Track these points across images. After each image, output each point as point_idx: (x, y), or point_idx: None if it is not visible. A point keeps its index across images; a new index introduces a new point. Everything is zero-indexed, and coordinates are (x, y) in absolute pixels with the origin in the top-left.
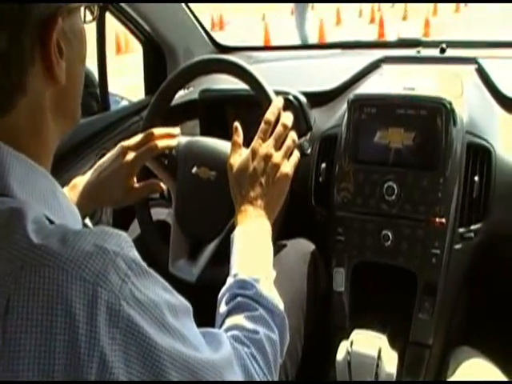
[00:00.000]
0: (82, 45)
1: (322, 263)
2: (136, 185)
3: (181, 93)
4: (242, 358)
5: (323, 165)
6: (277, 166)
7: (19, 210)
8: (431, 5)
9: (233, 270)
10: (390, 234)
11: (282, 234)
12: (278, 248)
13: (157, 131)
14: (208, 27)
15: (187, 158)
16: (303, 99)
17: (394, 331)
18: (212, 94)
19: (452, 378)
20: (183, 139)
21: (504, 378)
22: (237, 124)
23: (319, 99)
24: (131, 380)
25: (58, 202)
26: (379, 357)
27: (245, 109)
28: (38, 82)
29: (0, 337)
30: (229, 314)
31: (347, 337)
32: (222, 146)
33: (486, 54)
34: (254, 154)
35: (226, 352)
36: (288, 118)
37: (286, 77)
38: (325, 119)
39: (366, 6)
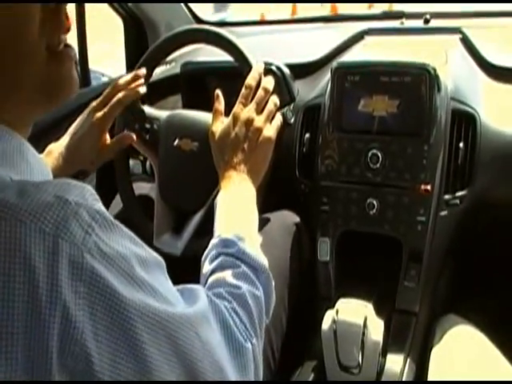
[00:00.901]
0: None
1: (307, 235)
2: (108, 142)
3: (162, 68)
4: (221, 311)
5: (307, 135)
6: (259, 131)
7: None
8: None
9: (216, 232)
10: (375, 203)
11: (265, 206)
12: (261, 221)
13: (122, 80)
14: None
15: (169, 130)
16: (286, 70)
17: (380, 299)
18: (194, 67)
19: (438, 346)
20: (164, 113)
21: (490, 345)
22: (218, 91)
23: (302, 71)
24: (97, 334)
25: (27, 162)
26: (365, 325)
27: (227, 80)
28: None
29: None
30: (212, 273)
31: (332, 306)
32: (204, 116)
33: (470, 24)
34: (235, 119)
35: (201, 306)
36: (269, 82)
37: (269, 49)
38: (308, 90)
39: None
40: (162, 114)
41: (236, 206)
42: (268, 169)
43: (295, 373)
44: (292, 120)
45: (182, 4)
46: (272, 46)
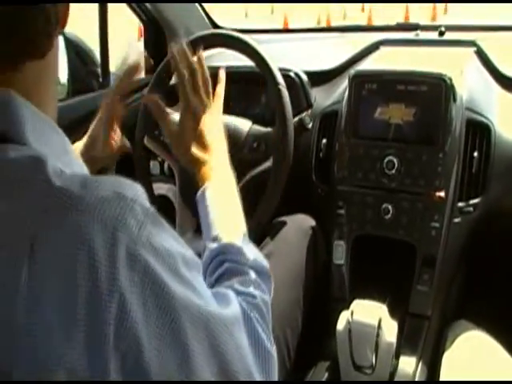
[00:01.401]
0: None
1: (322, 238)
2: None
3: None
4: (251, 319)
5: (324, 141)
6: (203, 108)
7: (39, 157)
8: None
9: (212, 232)
10: (390, 208)
11: (282, 210)
12: (278, 225)
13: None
14: None
15: None
16: (304, 76)
17: (394, 303)
18: (211, 72)
19: (450, 350)
20: None
21: (501, 351)
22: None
23: (319, 78)
24: (147, 322)
25: (69, 158)
26: (379, 326)
27: (245, 86)
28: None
29: (26, 280)
30: (218, 280)
31: (347, 308)
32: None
33: (484, 37)
34: (184, 110)
35: (234, 310)
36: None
37: (287, 57)
38: (325, 97)
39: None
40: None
41: (224, 199)
42: (284, 177)
43: (309, 373)
44: (310, 125)
45: (200, 9)
46: (289, 53)
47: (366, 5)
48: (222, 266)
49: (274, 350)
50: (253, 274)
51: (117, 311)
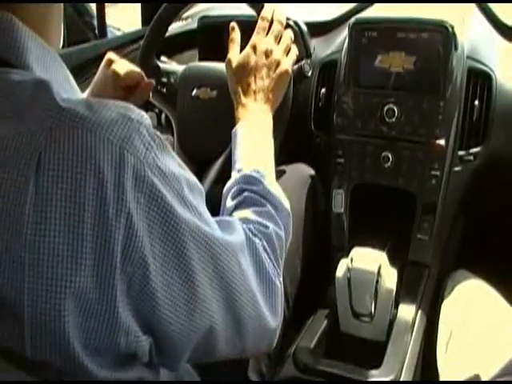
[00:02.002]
0: None
1: (321, 187)
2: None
3: (179, 24)
4: (256, 247)
5: (323, 90)
6: (277, 61)
7: (44, 80)
8: None
9: (237, 165)
10: (390, 156)
11: (281, 158)
12: (277, 173)
13: None
14: None
15: (186, 81)
16: (303, 26)
17: (393, 251)
18: (211, 21)
19: (449, 298)
20: (180, 67)
21: (500, 299)
22: (233, 24)
23: (319, 29)
24: (153, 244)
25: (72, 88)
26: (379, 273)
27: (243, 34)
28: None
29: (33, 196)
30: (236, 207)
31: (346, 255)
32: (222, 66)
33: None
34: (254, 48)
35: (239, 237)
36: (282, 16)
37: (285, 6)
38: (324, 47)
39: None
40: (178, 67)
41: (256, 138)
42: (284, 121)
43: (308, 320)
44: (309, 73)
45: None
46: (287, 5)
47: None
48: (242, 195)
49: (278, 281)
50: (270, 207)
51: (123, 232)
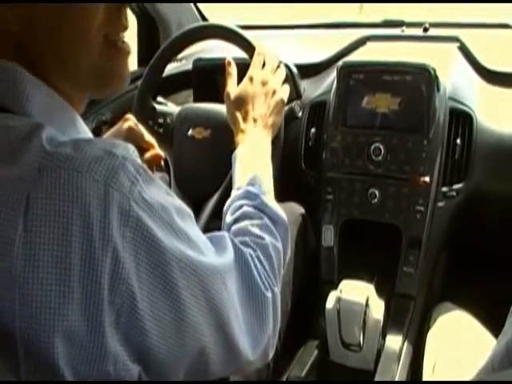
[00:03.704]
0: None
1: (312, 225)
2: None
3: (174, 65)
4: (246, 259)
5: (313, 130)
6: (273, 89)
7: (37, 124)
8: None
9: (237, 184)
10: (376, 193)
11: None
12: None
13: None
14: None
15: (182, 122)
16: (294, 68)
17: (381, 283)
18: (205, 63)
19: (434, 328)
20: (176, 108)
21: (484, 331)
22: (230, 59)
23: (308, 71)
24: (140, 275)
25: (77, 130)
26: (367, 304)
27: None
28: None
29: (22, 234)
30: (234, 222)
31: (336, 287)
32: (215, 106)
33: (466, 34)
34: (251, 79)
35: (228, 255)
36: (275, 56)
37: (275, 49)
38: (314, 88)
39: None
40: (173, 108)
41: (255, 159)
42: (276, 161)
43: (299, 351)
44: (300, 114)
45: (193, 6)
46: (277, 47)
47: None
48: (240, 210)
49: (271, 292)
50: (267, 220)
51: (110, 266)
